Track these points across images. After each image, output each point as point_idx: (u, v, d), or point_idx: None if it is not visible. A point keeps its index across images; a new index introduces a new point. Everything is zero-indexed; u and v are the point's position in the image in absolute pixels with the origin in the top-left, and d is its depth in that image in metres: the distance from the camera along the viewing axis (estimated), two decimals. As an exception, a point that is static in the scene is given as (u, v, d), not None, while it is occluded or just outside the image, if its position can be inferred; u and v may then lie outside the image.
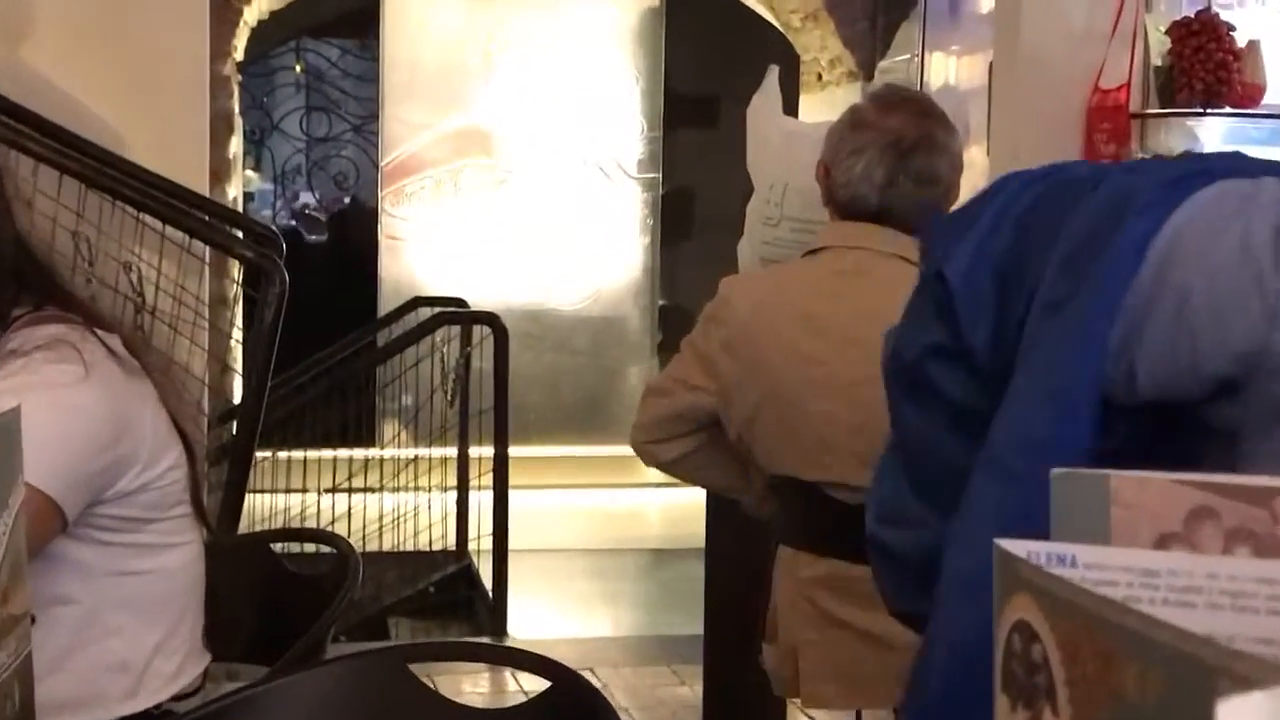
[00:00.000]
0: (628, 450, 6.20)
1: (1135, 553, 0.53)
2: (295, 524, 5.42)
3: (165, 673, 1.62)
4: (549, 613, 5.70)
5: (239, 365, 5.07)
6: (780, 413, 2.03)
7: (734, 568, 3.06)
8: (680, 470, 2.17)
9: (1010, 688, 0.49)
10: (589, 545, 6.67)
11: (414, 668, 1.44)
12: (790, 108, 4.50)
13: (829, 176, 2.23)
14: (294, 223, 8.68)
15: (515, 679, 3.91)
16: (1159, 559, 0.52)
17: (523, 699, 1.63)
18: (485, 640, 4.70)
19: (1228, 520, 0.60)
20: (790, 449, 2.13)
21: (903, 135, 2.17)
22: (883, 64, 6.58)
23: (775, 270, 2.55)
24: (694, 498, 3.26)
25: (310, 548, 2.28)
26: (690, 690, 4.02)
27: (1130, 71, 4.16)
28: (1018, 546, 0.50)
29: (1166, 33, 4.67)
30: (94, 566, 1.54)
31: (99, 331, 1.51)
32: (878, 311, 2.08)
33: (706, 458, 2.12)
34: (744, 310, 2.04)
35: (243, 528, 3.96)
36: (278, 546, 2.26)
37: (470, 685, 3.97)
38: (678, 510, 6.71)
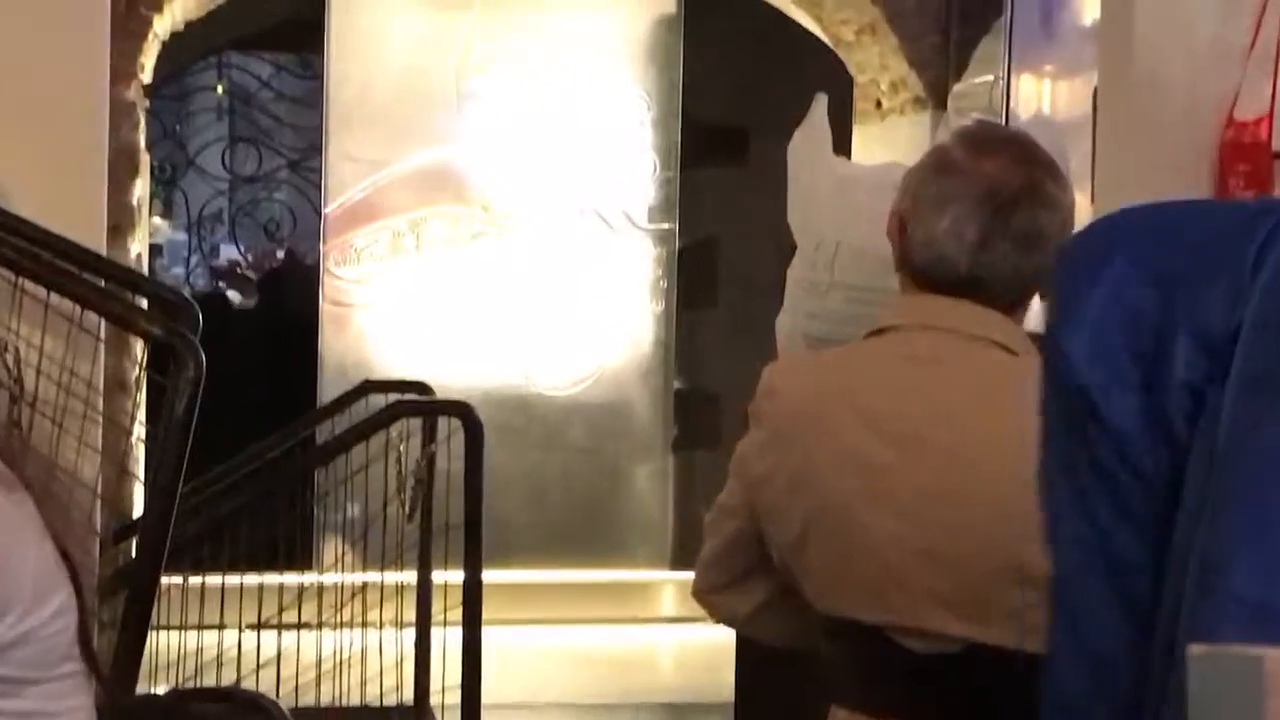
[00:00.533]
0: (635, 575, 7.03)
1: None
2: (212, 668, 5.37)
3: None
4: None
5: (141, 470, 4.98)
6: (834, 536, 2.03)
7: None
8: (757, 629, 2.17)
9: None
10: (586, 699, 6.72)
11: None
12: (842, 143, 4.56)
13: (904, 233, 2.21)
14: (214, 285, 8.63)
15: None
16: None
17: None
18: None
19: None
20: (847, 582, 2.10)
21: (1002, 184, 2.16)
22: (958, 88, 6.52)
23: (831, 355, 2.55)
24: (720, 637, 3.21)
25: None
26: None
27: (1273, 100, 4.23)
28: None
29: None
30: None
31: None
32: (959, 411, 2.11)
33: (791, 610, 2.12)
34: (790, 404, 2.07)
35: (145, 675, 3.90)
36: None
37: None
38: (700, 653, 6.81)
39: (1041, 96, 5.84)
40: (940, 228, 2.16)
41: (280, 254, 8.84)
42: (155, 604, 3.75)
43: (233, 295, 8.96)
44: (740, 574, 2.11)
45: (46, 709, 1.57)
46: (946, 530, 1.73)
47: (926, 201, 2.18)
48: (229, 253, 8.86)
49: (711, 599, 2.14)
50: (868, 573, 2.07)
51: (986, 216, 2.14)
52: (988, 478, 1.94)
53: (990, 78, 6.16)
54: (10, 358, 3.57)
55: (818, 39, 7.44)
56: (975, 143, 2.26)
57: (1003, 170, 2.15)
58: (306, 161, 8.48)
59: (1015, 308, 2.22)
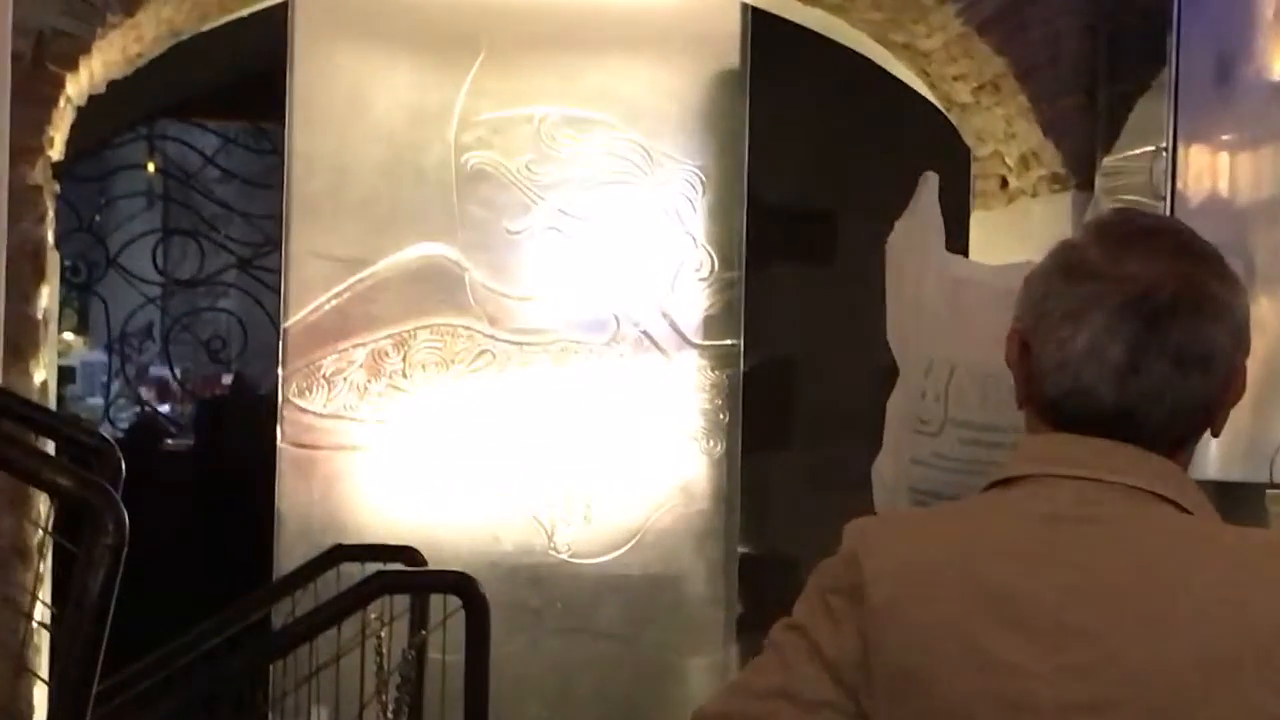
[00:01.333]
0: None
1: None
2: None
3: None
4: None
5: (44, 665, 5.04)
6: None
7: None
8: None
9: None
10: None
11: None
12: (957, 236, 4.63)
13: (1027, 356, 2.21)
14: (141, 420, 8.73)
15: None
16: None
17: None
18: None
19: None
20: None
21: (1152, 288, 2.14)
22: (1108, 161, 6.52)
23: (939, 512, 2.55)
24: None
25: None
26: None
27: None
28: None
29: None
30: None
31: None
32: (1117, 589, 2.07)
33: None
34: (886, 579, 2.04)
35: None
36: None
37: None
38: None
39: (1218, 172, 5.83)
40: (1076, 348, 2.16)
41: (227, 379, 8.90)
42: None
43: (165, 436, 9.03)
44: None
45: None
46: None
47: (1055, 315, 2.19)
48: (161, 377, 8.94)
49: None
50: None
51: (1136, 330, 2.14)
52: (1157, 685, 1.90)
53: (1150, 148, 6.14)
54: None
55: (924, 100, 7.47)
56: (1114, 235, 2.25)
57: (1152, 269, 2.15)
58: (261, 260, 8.52)
59: (1178, 450, 2.20)
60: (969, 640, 2.07)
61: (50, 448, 5.19)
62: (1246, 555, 2.15)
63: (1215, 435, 2.30)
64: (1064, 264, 2.23)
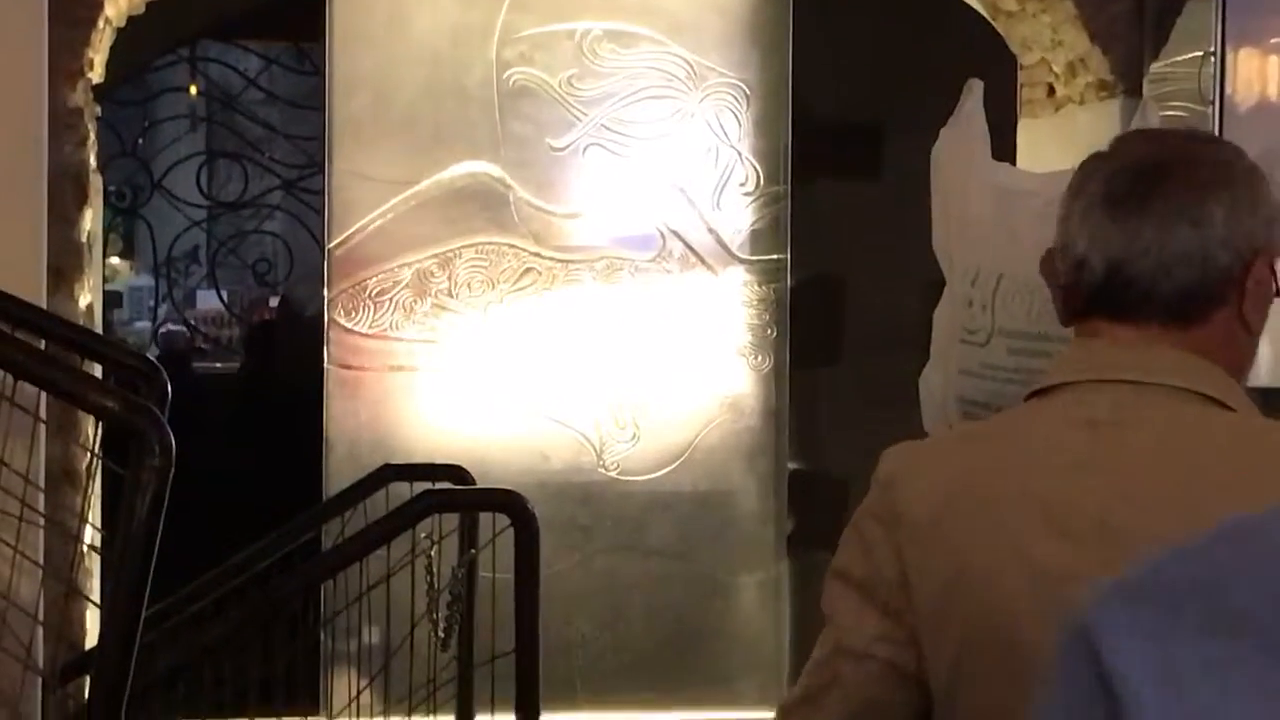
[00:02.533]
0: (741, 715, 7.19)
1: None
2: None
3: None
4: None
5: (95, 587, 5.17)
6: (999, 665, 2.01)
7: None
8: None
9: None
10: None
11: None
12: (1003, 145, 4.76)
13: (1054, 262, 2.28)
14: (189, 344, 8.85)
15: None
16: None
17: None
18: None
19: None
20: None
21: (1143, 159, 2.23)
22: (1156, 67, 6.59)
23: (976, 427, 2.63)
24: None
25: None
26: None
27: None
28: None
29: None
30: None
31: None
32: (1160, 490, 2.10)
33: None
34: (926, 501, 2.06)
35: None
36: None
37: None
38: None
39: (1267, 77, 5.88)
40: (1072, 226, 2.24)
41: (273, 302, 8.99)
42: None
43: (212, 359, 9.09)
44: None
45: None
46: None
47: (1068, 213, 2.26)
48: (208, 301, 8.98)
49: None
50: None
51: (1121, 194, 2.22)
52: None
53: (1199, 53, 6.22)
54: None
55: (970, 9, 7.35)
56: (1128, 135, 2.35)
57: (1150, 146, 2.25)
58: (305, 182, 8.54)
59: (1199, 323, 2.24)
60: (1013, 548, 2.10)
61: (97, 371, 5.29)
62: None
63: (1249, 328, 2.32)
64: (1082, 165, 2.33)
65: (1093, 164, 2.28)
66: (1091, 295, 2.22)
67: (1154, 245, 2.18)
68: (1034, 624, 2.04)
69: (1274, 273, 2.33)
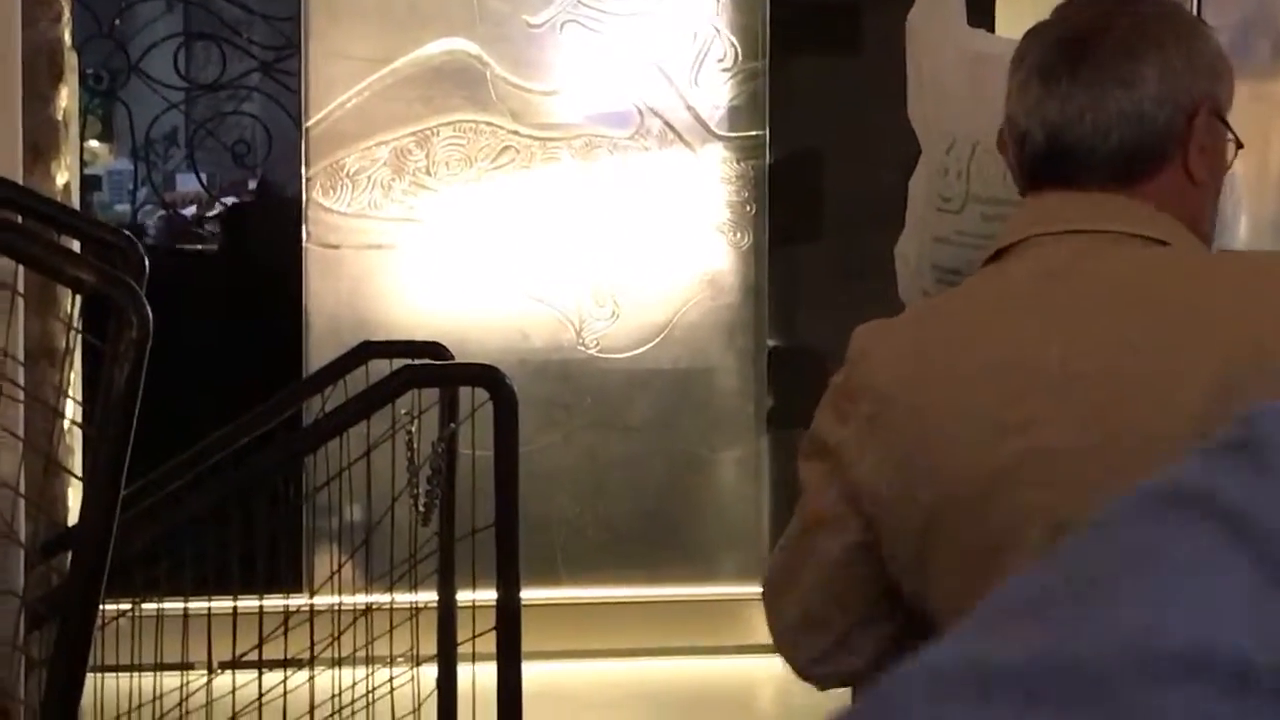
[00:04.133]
0: (720, 591, 7.35)
1: None
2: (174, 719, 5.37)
3: None
4: None
5: (77, 461, 5.09)
6: (970, 526, 2.04)
7: None
8: None
9: None
10: None
11: None
12: (980, 11, 4.66)
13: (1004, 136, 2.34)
14: (167, 223, 8.91)
15: None
16: None
17: None
18: None
19: None
20: (988, 587, 2.07)
21: (1075, 27, 2.27)
22: None
23: (940, 300, 2.64)
24: None
25: None
26: None
27: None
28: None
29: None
30: None
31: None
32: (1121, 331, 2.15)
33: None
34: (890, 373, 2.11)
35: None
36: None
37: None
38: (802, 687, 6.75)
39: (1248, -54, 5.95)
40: (1013, 100, 2.30)
41: (252, 183, 8.94)
42: (97, 637, 3.85)
43: (191, 239, 9.12)
44: (857, 620, 2.11)
45: None
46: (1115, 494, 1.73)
47: (1009, 79, 2.32)
48: (187, 184, 9.01)
49: (821, 670, 2.14)
50: (1023, 557, 2.04)
51: (1053, 63, 2.27)
52: (1161, 428, 1.96)
53: None
54: None
55: None
56: (1067, 3, 2.36)
57: (1085, 12, 2.29)
58: (283, 63, 8.53)
59: (1137, 182, 2.30)
60: (981, 415, 2.13)
61: (75, 246, 5.23)
62: (1245, 277, 2.25)
63: (1194, 179, 2.35)
64: (1025, 35, 2.37)
65: (1031, 35, 2.32)
66: (1036, 165, 2.28)
67: (1087, 110, 2.24)
68: (1001, 488, 2.07)
69: (1223, 122, 2.39)
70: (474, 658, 5.57)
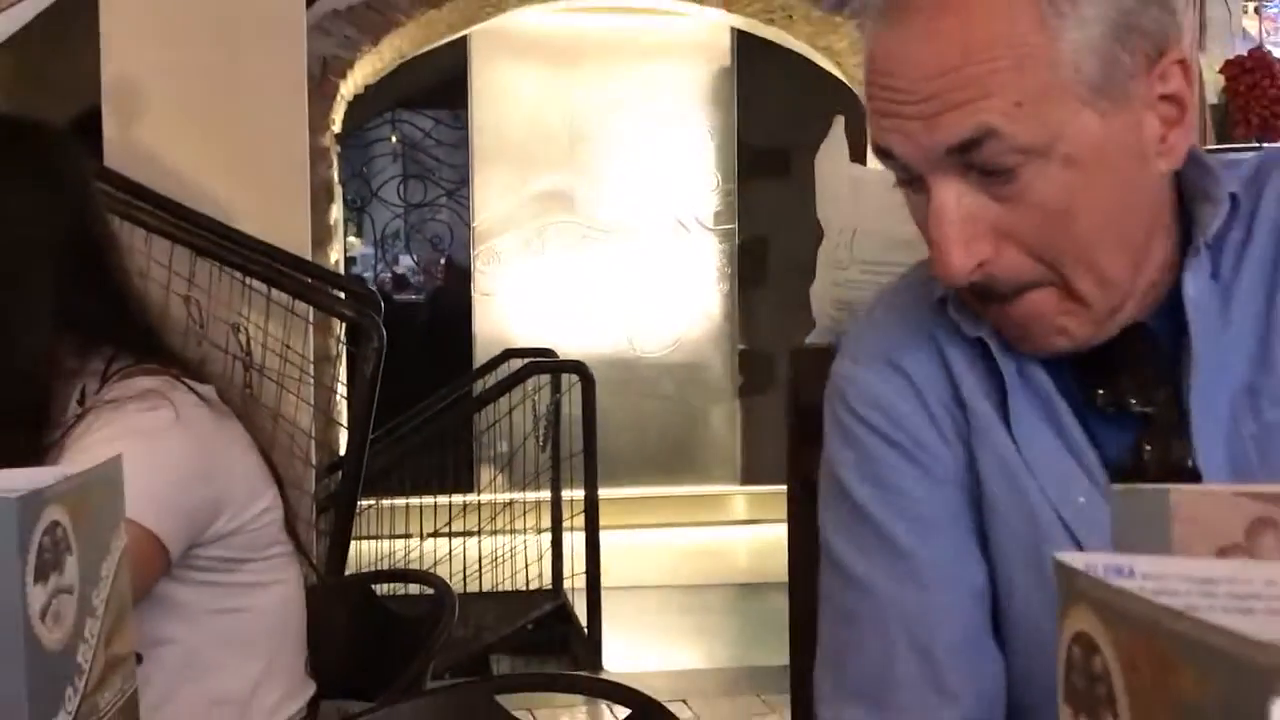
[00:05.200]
0: (713, 488, 8.82)
1: (1193, 561, 0.59)
2: (400, 566, 5.89)
3: (268, 705, 1.93)
4: (642, 646, 6.45)
5: (343, 418, 5.32)
6: None
7: (816, 598, 3.37)
8: None
9: (1072, 699, 0.56)
10: (678, 581, 7.47)
11: (514, 700, 1.70)
12: (857, 154, 3.62)
13: None
14: (393, 282, 9.29)
15: (610, 711, 4.24)
16: (1217, 567, 0.58)
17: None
18: (566, 672, 4.99)
19: (1291, 530, 0.67)
20: None
21: None
22: None
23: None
24: (779, 533, 3.23)
25: (413, 589, 2.51)
26: (779, 718, 4.67)
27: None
28: (1077, 559, 0.57)
29: (1220, 71, 5.48)
30: (194, 606, 1.85)
31: (190, 382, 1.84)
32: None
33: None
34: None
35: (348, 572, 4.09)
36: (381, 588, 2.49)
37: (568, 718, 4.56)
38: (763, 545, 7.54)
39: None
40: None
41: (441, 259, 9.31)
42: (355, 520, 4.02)
43: (407, 291, 9.39)
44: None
45: (260, 580, 1.90)
46: None
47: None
48: (404, 260, 8.89)
49: None
50: None
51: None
52: None
53: None
54: (243, 337, 3.91)
55: (839, 79, 8.01)
56: None
57: None
58: (459, 190, 9.15)
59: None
60: None
61: (341, 296, 4.58)
62: None
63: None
64: None
65: None
66: None
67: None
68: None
69: None
70: (571, 529, 6.19)
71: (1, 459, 1.41)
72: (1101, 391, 1.22)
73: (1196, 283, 1.20)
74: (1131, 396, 1.22)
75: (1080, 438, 1.22)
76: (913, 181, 1.18)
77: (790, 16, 7.61)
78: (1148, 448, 1.19)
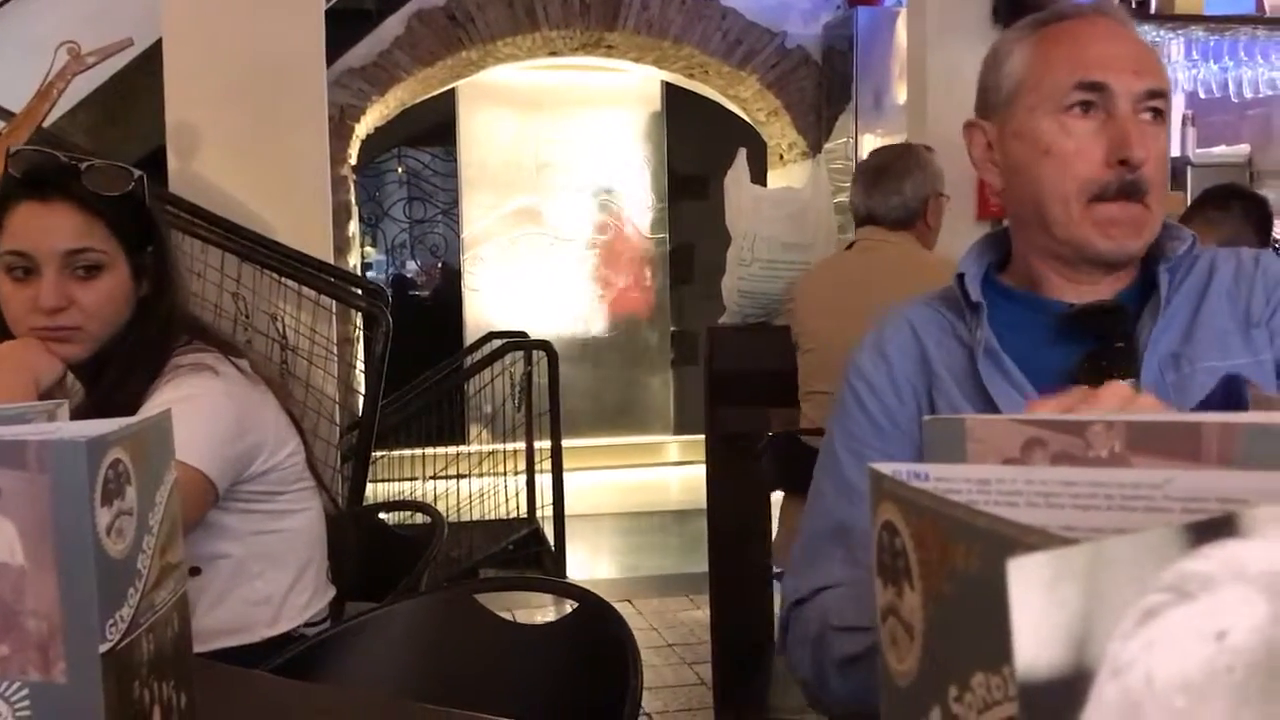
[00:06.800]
0: (652, 438, 7.97)
1: (971, 467, 0.60)
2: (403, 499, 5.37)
3: (298, 605, 1.90)
4: (597, 560, 6.08)
5: (361, 387, 4.98)
6: None
7: (728, 521, 3.24)
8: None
9: (881, 571, 0.56)
10: (624, 510, 7.15)
11: (498, 600, 1.67)
12: (758, 179, 4.25)
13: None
14: (399, 282, 8.89)
15: (571, 608, 3.48)
16: (989, 470, 0.58)
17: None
18: (528, 574, 4.59)
19: (1053, 447, 0.66)
20: None
21: (876, 162, 2.42)
22: (827, 145, 6.85)
23: (828, 260, 2.52)
24: (701, 472, 3.43)
25: (418, 519, 2.40)
26: (702, 612, 4.47)
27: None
28: (886, 468, 0.56)
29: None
30: (239, 529, 1.81)
31: (232, 358, 1.82)
32: (872, 279, 2.33)
33: None
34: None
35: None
36: (389, 516, 2.47)
37: (541, 615, 4.23)
38: (690, 481, 7.46)
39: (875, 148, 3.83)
40: (853, 190, 2.40)
41: (438, 264, 8.91)
42: (370, 466, 3.89)
43: (411, 289, 8.90)
44: None
45: (290, 508, 1.86)
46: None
47: (853, 182, 2.34)
48: (409, 264, 8.48)
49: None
50: None
51: (867, 179, 2.38)
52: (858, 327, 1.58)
53: (845, 139, 6.52)
54: (280, 325, 3.81)
55: (744, 120, 7.82)
56: (874, 151, 2.54)
57: (879, 156, 2.48)
58: (451, 210, 8.74)
59: (904, 229, 2.44)
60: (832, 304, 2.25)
61: (358, 292, 4.16)
62: (915, 267, 2.35)
63: (930, 228, 2.49)
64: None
65: (860, 164, 2.38)
66: (860, 219, 2.40)
67: (882, 202, 2.34)
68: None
69: (943, 198, 2.54)
70: (540, 471, 5.94)
71: (128, 408, 1.60)
72: (1081, 303, 1.34)
73: (1164, 277, 1.32)
74: (1104, 336, 1.31)
75: (1031, 391, 1.30)
76: (1094, 106, 1.30)
77: (707, 72, 7.43)
78: (1104, 363, 1.28)
